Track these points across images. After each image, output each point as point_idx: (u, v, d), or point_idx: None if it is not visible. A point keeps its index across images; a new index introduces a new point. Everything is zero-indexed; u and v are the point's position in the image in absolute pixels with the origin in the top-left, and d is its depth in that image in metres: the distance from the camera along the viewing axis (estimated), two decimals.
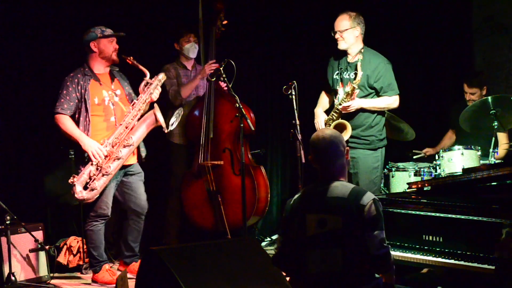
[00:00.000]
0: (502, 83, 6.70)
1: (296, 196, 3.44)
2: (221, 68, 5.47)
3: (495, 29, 6.69)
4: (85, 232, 5.27)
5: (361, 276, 3.20)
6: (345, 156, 3.38)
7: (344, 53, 5.46)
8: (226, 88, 5.70)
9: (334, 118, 5.34)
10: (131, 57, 5.22)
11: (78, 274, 5.59)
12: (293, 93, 5.19)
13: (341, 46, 5.40)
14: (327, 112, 5.52)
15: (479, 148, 5.53)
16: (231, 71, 5.72)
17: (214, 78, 5.62)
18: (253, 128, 5.25)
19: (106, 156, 5.05)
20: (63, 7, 6.09)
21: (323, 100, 5.63)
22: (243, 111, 5.18)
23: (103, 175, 5.05)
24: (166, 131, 5.39)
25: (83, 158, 5.12)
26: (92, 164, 5.03)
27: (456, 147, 5.52)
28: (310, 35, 6.92)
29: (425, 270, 4.06)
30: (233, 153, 5.80)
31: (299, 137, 5.10)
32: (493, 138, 5.44)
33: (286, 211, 3.42)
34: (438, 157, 5.56)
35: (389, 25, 6.93)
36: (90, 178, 5.04)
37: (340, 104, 5.29)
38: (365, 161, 5.37)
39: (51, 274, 5.38)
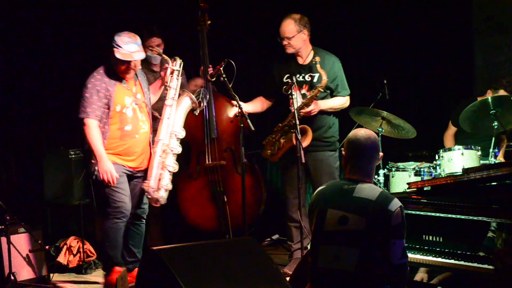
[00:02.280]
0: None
1: (320, 188, 3.44)
2: (221, 68, 5.46)
3: (495, 29, 6.69)
4: (104, 229, 5.07)
5: (372, 280, 3.18)
6: (377, 162, 3.38)
7: (291, 55, 5.41)
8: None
9: (292, 123, 5.26)
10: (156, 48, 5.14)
11: (78, 274, 5.58)
12: (293, 93, 5.20)
13: (289, 51, 5.37)
14: (276, 118, 5.48)
15: (479, 148, 5.53)
16: (231, 71, 5.72)
17: (214, 79, 5.61)
18: (253, 128, 5.25)
19: (163, 151, 5.01)
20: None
21: (257, 102, 5.57)
22: (243, 111, 5.18)
23: (168, 172, 5.05)
24: (198, 110, 5.30)
25: (91, 171, 5.00)
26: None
27: (456, 147, 5.53)
28: (311, 35, 6.92)
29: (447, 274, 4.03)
30: (234, 153, 5.80)
31: (299, 137, 5.10)
32: (493, 138, 5.45)
33: (311, 201, 3.44)
34: (438, 157, 5.56)
35: (389, 25, 6.93)
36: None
37: (301, 108, 5.25)
38: (327, 163, 5.41)
39: (51, 274, 5.38)
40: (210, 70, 5.70)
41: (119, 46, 4.84)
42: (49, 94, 6.18)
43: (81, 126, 4.93)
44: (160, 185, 5.05)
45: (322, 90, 5.29)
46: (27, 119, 6.12)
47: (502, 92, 5.93)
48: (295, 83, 5.29)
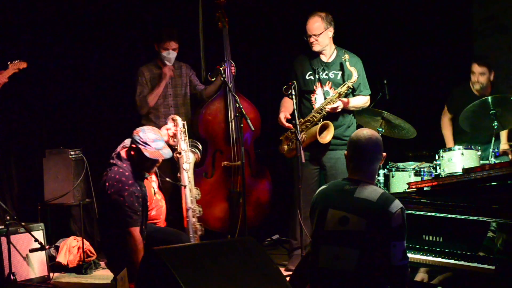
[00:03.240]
0: (502, 83, 6.69)
1: (322, 188, 3.43)
2: (221, 68, 5.47)
3: (495, 29, 6.69)
4: None
5: (371, 281, 3.18)
6: (380, 163, 3.37)
7: (313, 53, 5.44)
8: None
9: (315, 119, 5.30)
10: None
11: (78, 274, 5.58)
12: (293, 93, 5.22)
13: (316, 48, 5.39)
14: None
15: (479, 148, 5.54)
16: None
17: (214, 78, 5.61)
18: (253, 128, 5.25)
19: (193, 217, 4.90)
20: None
21: (288, 104, 5.50)
22: (243, 110, 5.18)
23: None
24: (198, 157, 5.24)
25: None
26: None
27: (456, 147, 5.53)
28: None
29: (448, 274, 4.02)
30: (250, 154, 5.80)
31: (299, 137, 5.11)
32: (493, 138, 5.45)
33: (312, 200, 3.42)
34: (438, 157, 5.57)
35: (389, 25, 6.93)
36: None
37: (327, 104, 5.28)
38: (344, 162, 5.38)
39: (51, 274, 5.38)
40: (233, 69, 5.70)
41: (146, 144, 4.51)
42: (49, 94, 6.18)
43: (122, 236, 4.46)
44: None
45: (352, 87, 5.34)
46: (27, 119, 6.12)
47: (475, 67, 5.89)
48: (294, 83, 5.28)
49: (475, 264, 3.66)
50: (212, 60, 6.18)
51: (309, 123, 5.35)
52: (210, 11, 6.00)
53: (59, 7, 6.15)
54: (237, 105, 5.21)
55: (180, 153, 4.90)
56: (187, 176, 4.92)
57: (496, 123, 5.41)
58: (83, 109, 6.36)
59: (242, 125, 5.22)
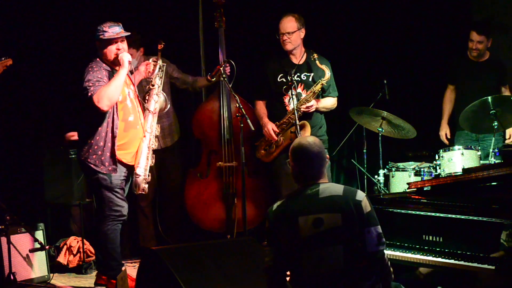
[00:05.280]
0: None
1: (278, 203, 3.34)
2: (221, 68, 5.47)
3: (495, 29, 6.68)
4: (104, 232, 4.88)
5: (362, 272, 3.20)
6: (327, 163, 3.40)
7: (284, 55, 5.48)
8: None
9: (291, 121, 5.31)
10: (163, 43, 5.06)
11: (78, 274, 5.58)
12: (293, 93, 5.23)
13: (288, 47, 5.43)
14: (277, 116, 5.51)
15: (479, 148, 5.55)
16: (231, 71, 5.72)
17: (215, 79, 5.62)
18: (253, 128, 5.26)
19: (149, 141, 4.93)
20: None
21: (263, 108, 5.58)
22: (243, 111, 5.18)
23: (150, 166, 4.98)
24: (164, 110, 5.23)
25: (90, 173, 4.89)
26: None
27: (456, 147, 5.54)
28: (310, 35, 6.93)
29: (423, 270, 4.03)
30: (247, 154, 5.81)
31: (300, 136, 5.12)
32: (493, 139, 5.46)
33: (269, 221, 3.31)
34: (438, 157, 5.57)
35: (389, 25, 6.93)
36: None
37: (302, 104, 5.31)
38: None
39: (51, 274, 5.38)
40: (228, 69, 5.69)
41: (104, 31, 4.78)
42: (49, 94, 6.18)
43: (88, 110, 4.69)
44: (145, 175, 4.90)
45: (325, 84, 5.36)
46: (27, 119, 6.12)
47: (473, 35, 5.97)
48: (294, 82, 5.31)
49: (475, 264, 3.66)
50: (212, 60, 6.18)
51: (285, 125, 5.39)
52: (211, 11, 5.99)
53: (58, 3, 6.15)
54: (237, 105, 5.21)
55: (153, 85, 5.02)
56: (154, 103, 4.97)
57: (496, 123, 5.42)
58: None
59: (242, 125, 5.22)
